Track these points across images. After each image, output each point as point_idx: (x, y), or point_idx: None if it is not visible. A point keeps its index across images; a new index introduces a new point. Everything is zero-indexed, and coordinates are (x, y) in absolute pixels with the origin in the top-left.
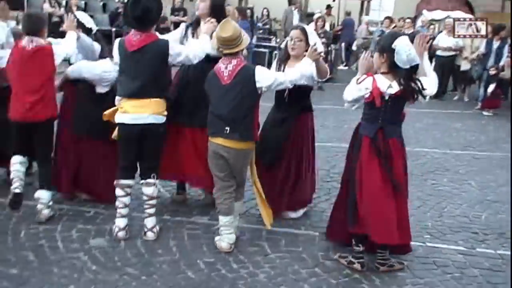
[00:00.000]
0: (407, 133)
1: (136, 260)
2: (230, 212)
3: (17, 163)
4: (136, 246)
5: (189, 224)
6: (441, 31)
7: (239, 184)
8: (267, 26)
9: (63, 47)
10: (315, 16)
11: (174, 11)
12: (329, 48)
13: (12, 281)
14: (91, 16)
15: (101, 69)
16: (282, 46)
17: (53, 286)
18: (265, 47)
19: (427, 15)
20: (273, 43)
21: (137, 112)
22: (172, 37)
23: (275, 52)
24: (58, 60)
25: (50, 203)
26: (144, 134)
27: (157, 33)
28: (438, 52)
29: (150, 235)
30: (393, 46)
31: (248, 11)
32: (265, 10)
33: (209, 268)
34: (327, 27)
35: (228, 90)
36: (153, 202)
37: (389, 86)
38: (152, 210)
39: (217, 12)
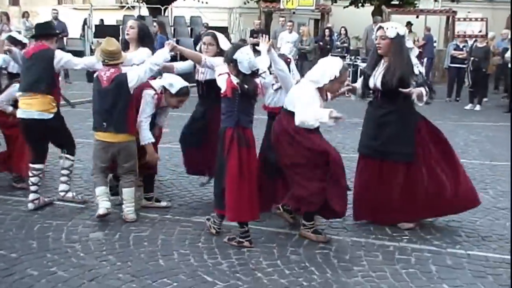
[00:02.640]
0: (457, 145)
1: (121, 250)
2: (102, 183)
3: None
4: (127, 238)
5: (185, 222)
6: None
7: (126, 171)
8: (345, 45)
9: None
10: None
11: (253, 33)
12: None
13: (7, 263)
14: (177, 41)
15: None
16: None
17: (38, 267)
18: None
19: None
20: (347, 61)
21: (26, 108)
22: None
23: (348, 70)
24: None
25: None
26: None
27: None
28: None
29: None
30: (234, 57)
31: (327, 30)
32: (342, 28)
33: (180, 257)
34: (409, 44)
35: (107, 91)
36: (63, 172)
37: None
38: (62, 178)
39: (145, 37)
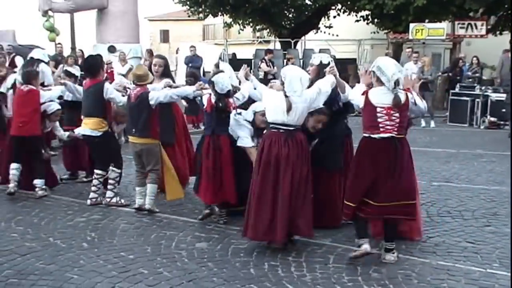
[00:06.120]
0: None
1: (219, 258)
2: (139, 184)
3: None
4: (227, 249)
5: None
6: None
7: (150, 170)
8: (477, 74)
9: (47, 93)
10: None
11: None
12: None
13: (125, 262)
14: None
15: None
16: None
17: (149, 268)
18: (467, 95)
19: None
20: (477, 91)
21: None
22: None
23: (477, 100)
24: (42, 99)
25: (44, 186)
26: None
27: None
28: None
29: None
30: (212, 79)
31: (460, 61)
32: (474, 58)
33: (270, 268)
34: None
35: (134, 105)
36: (110, 181)
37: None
38: (109, 186)
39: (166, 70)
